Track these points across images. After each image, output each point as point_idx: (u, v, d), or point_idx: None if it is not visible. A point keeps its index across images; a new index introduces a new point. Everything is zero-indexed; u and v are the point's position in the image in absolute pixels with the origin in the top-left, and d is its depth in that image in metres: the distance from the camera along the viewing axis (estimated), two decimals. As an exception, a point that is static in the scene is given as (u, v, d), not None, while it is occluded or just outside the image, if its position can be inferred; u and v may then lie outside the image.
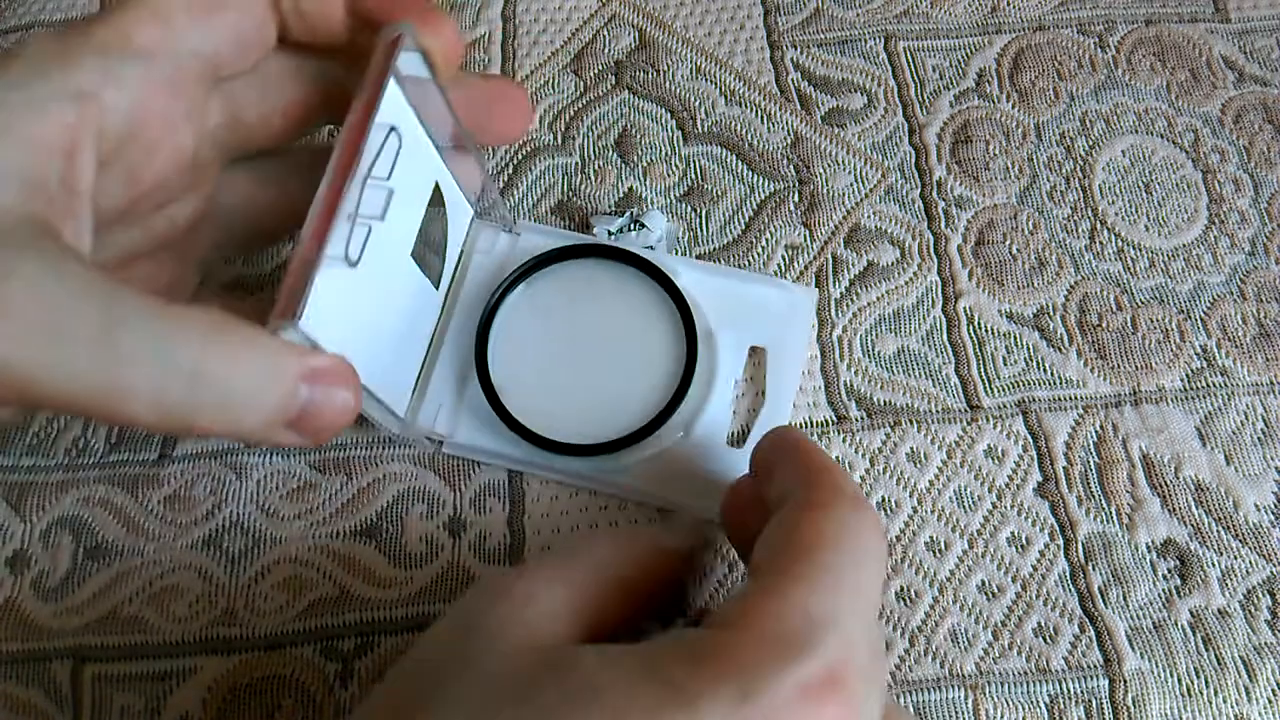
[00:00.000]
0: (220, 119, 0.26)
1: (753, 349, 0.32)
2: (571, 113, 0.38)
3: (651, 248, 0.34)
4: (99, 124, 0.22)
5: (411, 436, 0.31)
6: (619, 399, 0.30)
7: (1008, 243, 0.35)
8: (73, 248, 0.22)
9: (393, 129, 0.25)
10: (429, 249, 0.30)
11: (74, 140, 0.22)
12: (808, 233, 0.35)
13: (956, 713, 0.28)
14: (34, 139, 0.21)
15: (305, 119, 0.28)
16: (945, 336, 0.33)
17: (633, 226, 0.34)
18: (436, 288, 0.31)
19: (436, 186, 0.29)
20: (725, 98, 0.38)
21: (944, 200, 0.36)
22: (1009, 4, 0.40)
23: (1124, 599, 0.30)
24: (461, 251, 0.33)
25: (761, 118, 0.38)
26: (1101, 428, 0.32)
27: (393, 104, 0.25)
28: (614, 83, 0.38)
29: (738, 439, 0.32)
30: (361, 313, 0.26)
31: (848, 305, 0.34)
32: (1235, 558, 0.30)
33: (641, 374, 0.31)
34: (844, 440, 0.32)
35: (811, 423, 0.32)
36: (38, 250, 0.20)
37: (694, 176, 0.36)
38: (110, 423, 0.22)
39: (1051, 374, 0.33)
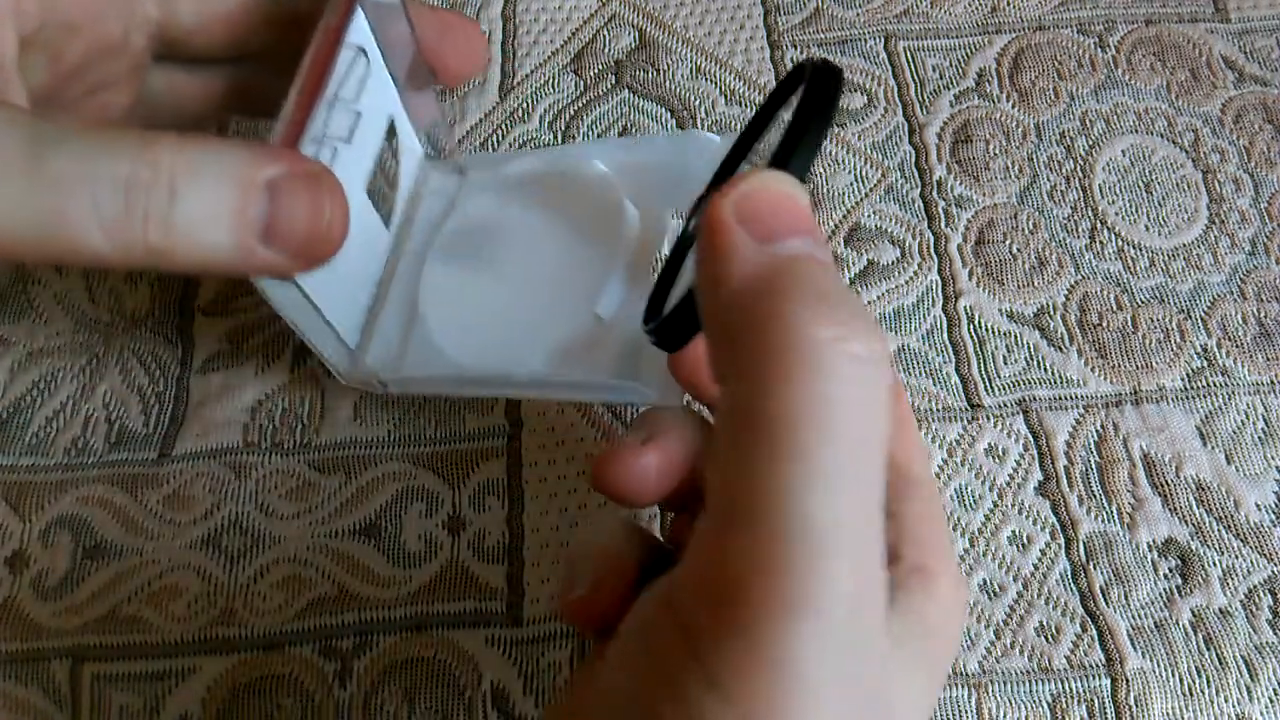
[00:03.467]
0: (155, 13, 0.25)
1: (673, 216, 0.31)
2: (571, 112, 0.38)
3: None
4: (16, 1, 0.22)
5: (358, 378, 0.30)
6: (555, 311, 0.29)
7: (1008, 242, 0.35)
8: None
9: (362, 50, 0.25)
10: (383, 186, 0.29)
11: None
12: (808, 232, 0.35)
13: (960, 712, 0.28)
14: None
15: (247, 36, 0.27)
16: (945, 335, 0.33)
17: None
18: (386, 228, 0.30)
19: (391, 123, 0.29)
20: (725, 97, 0.38)
21: (944, 200, 0.36)
22: (1009, 4, 0.40)
23: (1125, 598, 0.29)
24: (411, 193, 0.32)
25: (761, 117, 0.38)
26: (1102, 427, 0.32)
27: (360, 26, 0.24)
28: (614, 82, 0.38)
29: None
30: (335, 268, 0.25)
31: (848, 304, 0.34)
32: (1236, 557, 0.30)
33: (576, 282, 0.29)
34: (844, 439, 0.32)
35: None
36: None
37: (694, 176, 0.36)
38: (65, 261, 0.20)
39: (1052, 373, 0.33)
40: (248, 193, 0.21)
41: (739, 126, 0.37)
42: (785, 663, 0.15)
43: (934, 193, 0.36)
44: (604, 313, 0.28)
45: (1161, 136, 0.37)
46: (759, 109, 0.24)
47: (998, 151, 0.37)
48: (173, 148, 0.20)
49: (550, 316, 0.29)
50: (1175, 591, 0.30)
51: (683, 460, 0.22)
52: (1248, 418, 0.32)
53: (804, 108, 0.19)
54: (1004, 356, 0.33)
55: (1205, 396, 0.32)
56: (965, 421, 0.32)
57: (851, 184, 0.36)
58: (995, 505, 0.31)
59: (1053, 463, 0.31)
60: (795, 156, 0.18)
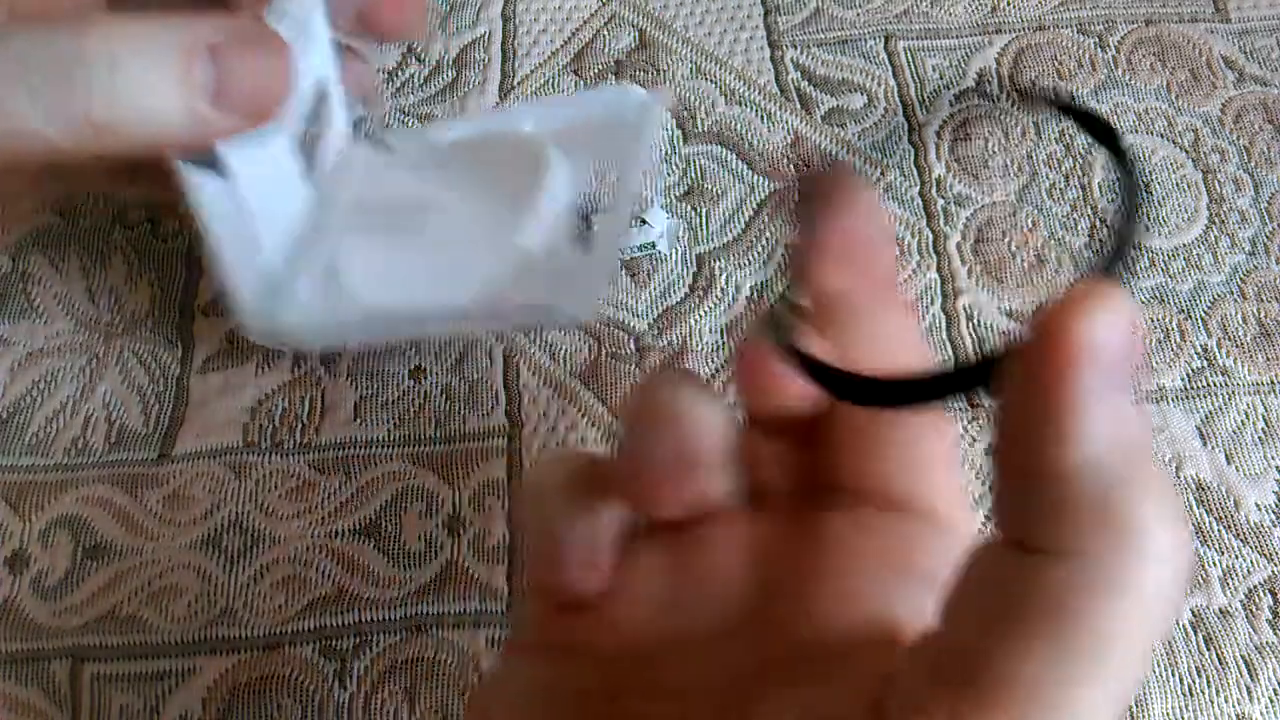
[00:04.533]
0: None
1: (594, 166, 0.31)
2: (571, 112, 0.38)
3: (653, 244, 0.34)
4: None
5: (269, 330, 0.29)
6: (475, 248, 0.29)
7: (1007, 240, 0.35)
8: None
9: None
10: (310, 141, 0.29)
11: None
12: (808, 232, 0.35)
13: (957, 712, 0.28)
14: None
15: None
16: (944, 334, 0.33)
17: (634, 223, 0.34)
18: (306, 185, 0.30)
19: (324, 87, 0.28)
20: (725, 97, 0.38)
21: (943, 198, 0.36)
22: (1009, 4, 0.40)
23: (1125, 598, 0.29)
24: (334, 167, 0.31)
25: (761, 117, 0.38)
26: (1102, 427, 0.32)
27: None
28: (614, 82, 0.38)
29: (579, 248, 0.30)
30: (261, 186, 0.25)
31: (848, 304, 0.34)
32: (1236, 557, 0.30)
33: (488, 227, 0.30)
34: (844, 439, 0.32)
35: (812, 422, 0.32)
36: None
37: (694, 176, 0.36)
38: (17, 155, 0.20)
39: (1052, 373, 0.33)
40: (191, 56, 0.20)
41: (739, 127, 0.37)
42: None
43: (933, 191, 0.36)
44: (526, 241, 0.29)
45: (1161, 136, 0.37)
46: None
47: (997, 149, 0.37)
48: (108, 24, 0.20)
49: (470, 253, 0.29)
50: (1175, 591, 0.30)
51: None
52: (1248, 418, 0.32)
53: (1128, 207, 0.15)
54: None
55: (1205, 396, 0.32)
56: (965, 421, 0.32)
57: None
58: (995, 505, 0.31)
59: (1053, 462, 0.31)
60: (1122, 257, 0.15)
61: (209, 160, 0.24)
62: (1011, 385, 0.14)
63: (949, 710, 0.14)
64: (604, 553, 0.19)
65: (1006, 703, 0.13)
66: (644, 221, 0.34)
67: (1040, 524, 0.14)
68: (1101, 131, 0.17)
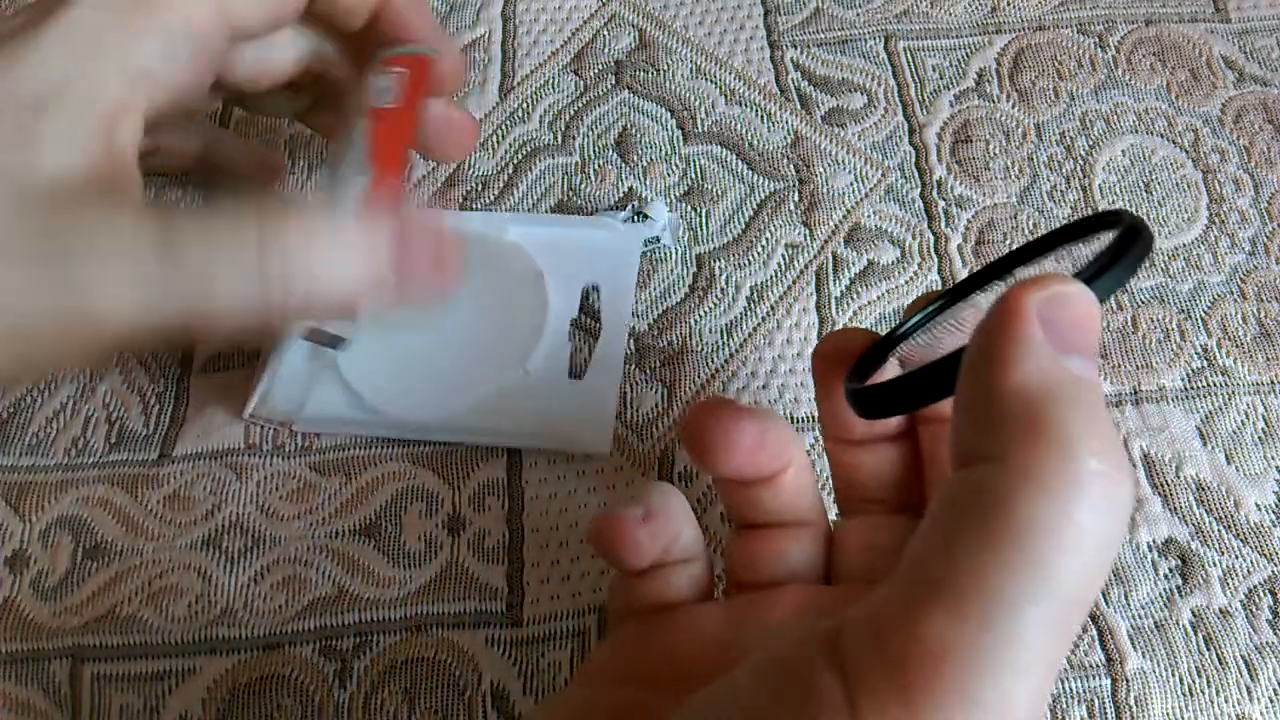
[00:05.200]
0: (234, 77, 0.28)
1: (587, 290, 0.34)
2: (571, 112, 0.38)
3: (657, 238, 0.34)
4: (151, 97, 0.24)
5: (264, 413, 0.31)
6: (482, 364, 0.32)
7: (1008, 242, 0.35)
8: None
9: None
10: None
11: (127, 109, 0.23)
12: (808, 232, 0.35)
13: (957, 712, 0.28)
14: (97, 112, 0.23)
15: (284, 79, 0.29)
16: (946, 335, 0.33)
17: (635, 218, 0.34)
18: None
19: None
20: (725, 97, 0.38)
21: (944, 200, 0.36)
22: (1009, 4, 0.40)
23: (1125, 598, 0.29)
24: None
25: (761, 117, 0.38)
26: (1102, 427, 0.32)
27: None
28: (614, 82, 0.38)
29: (579, 373, 0.32)
30: None
31: (848, 304, 0.34)
32: (1236, 557, 0.30)
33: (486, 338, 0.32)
34: (844, 439, 0.32)
35: (813, 419, 0.32)
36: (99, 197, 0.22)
37: (694, 176, 0.36)
38: (213, 335, 0.24)
39: (1052, 373, 0.33)
40: (375, 241, 0.24)
41: (739, 127, 0.37)
42: None
43: (934, 193, 0.36)
44: (533, 369, 0.32)
45: (1161, 136, 0.37)
46: (1043, 236, 0.23)
47: (998, 151, 0.37)
48: (294, 229, 0.22)
49: (478, 369, 0.32)
50: (1175, 591, 0.30)
51: (674, 533, 0.24)
52: (1248, 418, 0.32)
53: (1124, 239, 0.19)
54: (1004, 356, 0.33)
55: (1205, 396, 0.32)
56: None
57: (851, 184, 0.36)
58: (995, 505, 0.31)
59: (1053, 463, 0.31)
60: (1105, 278, 0.18)
61: (332, 340, 0.29)
62: (972, 341, 0.17)
63: (899, 606, 0.16)
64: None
65: (950, 599, 0.15)
66: (646, 216, 0.34)
67: (980, 438, 0.16)
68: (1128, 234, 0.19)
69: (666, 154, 0.37)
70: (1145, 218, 0.35)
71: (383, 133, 0.26)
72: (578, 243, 0.34)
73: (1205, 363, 0.33)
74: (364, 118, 0.27)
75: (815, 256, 0.35)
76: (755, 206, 0.36)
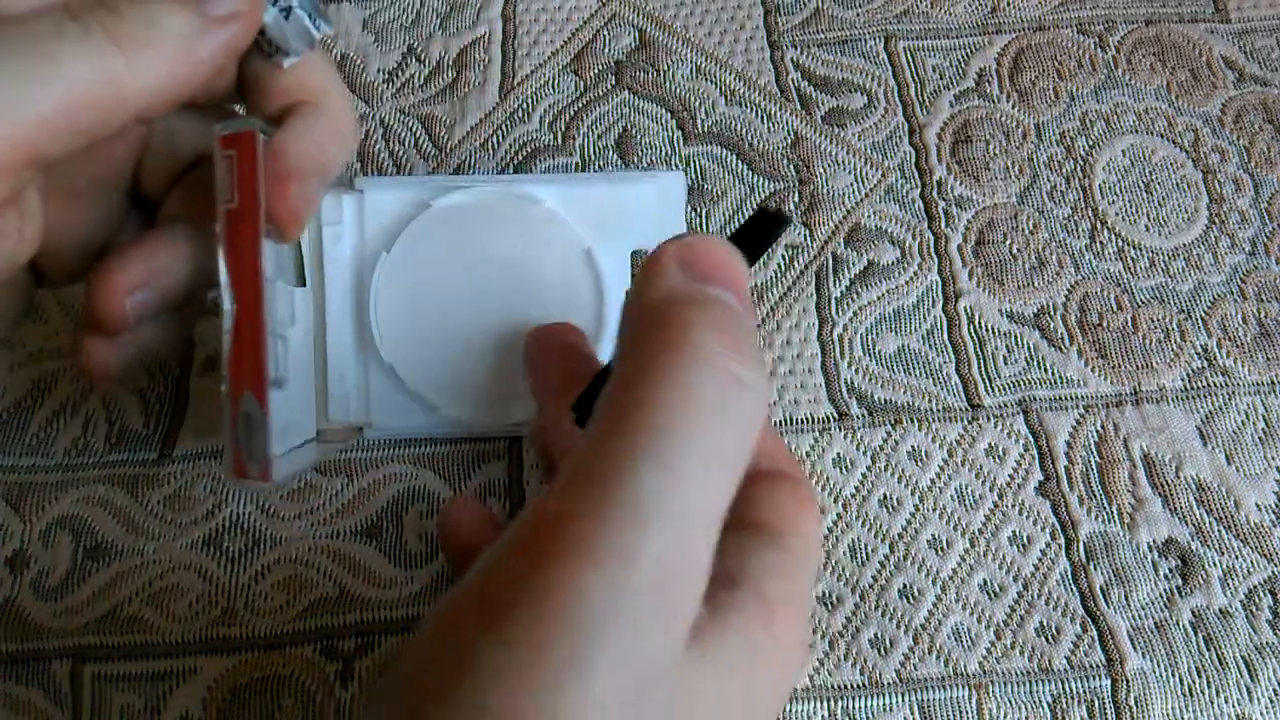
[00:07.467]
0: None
1: (635, 253, 0.31)
2: (571, 113, 0.38)
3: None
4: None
5: (334, 442, 0.30)
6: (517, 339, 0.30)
7: (1008, 242, 0.35)
8: None
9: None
10: (289, 262, 0.29)
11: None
12: (808, 232, 0.35)
13: (960, 712, 0.28)
14: None
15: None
16: (946, 336, 0.33)
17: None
18: (303, 284, 0.30)
19: None
20: (725, 98, 0.38)
21: (944, 200, 0.36)
22: (1009, 4, 0.40)
23: (1126, 599, 0.29)
24: (310, 235, 0.31)
25: (761, 118, 0.38)
26: (1102, 427, 0.32)
27: None
28: (614, 83, 0.38)
29: None
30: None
31: (848, 304, 0.34)
32: (1236, 557, 0.30)
33: (539, 307, 0.31)
34: (845, 437, 0.32)
35: (813, 419, 0.32)
36: None
37: (694, 176, 0.36)
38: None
39: (1052, 373, 0.33)
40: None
41: (739, 127, 0.37)
42: (573, 609, 0.15)
43: (934, 193, 0.36)
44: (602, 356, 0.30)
45: (1161, 136, 0.37)
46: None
47: (998, 152, 0.37)
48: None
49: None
50: (1175, 592, 0.30)
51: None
52: (1248, 418, 0.32)
53: (766, 216, 0.22)
54: (1004, 357, 0.33)
55: (1205, 396, 0.32)
56: (965, 422, 0.32)
57: (851, 184, 0.36)
58: (995, 505, 0.31)
59: (1053, 463, 0.31)
60: (748, 239, 0.21)
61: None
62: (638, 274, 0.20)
63: (533, 507, 0.17)
64: None
65: (584, 477, 0.17)
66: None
67: (621, 346, 0.19)
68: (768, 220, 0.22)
69: (666, 154, 0.37)
70: (1145, 216, 0.36)
71: (232, 232, 0.25)
72: (620, 203, 0.31)
73: (1205, 363, 0.33)
74: (217, 223, 0.25)
75: (815, 257, 0.35)
76: (755, 207, 0.36)
